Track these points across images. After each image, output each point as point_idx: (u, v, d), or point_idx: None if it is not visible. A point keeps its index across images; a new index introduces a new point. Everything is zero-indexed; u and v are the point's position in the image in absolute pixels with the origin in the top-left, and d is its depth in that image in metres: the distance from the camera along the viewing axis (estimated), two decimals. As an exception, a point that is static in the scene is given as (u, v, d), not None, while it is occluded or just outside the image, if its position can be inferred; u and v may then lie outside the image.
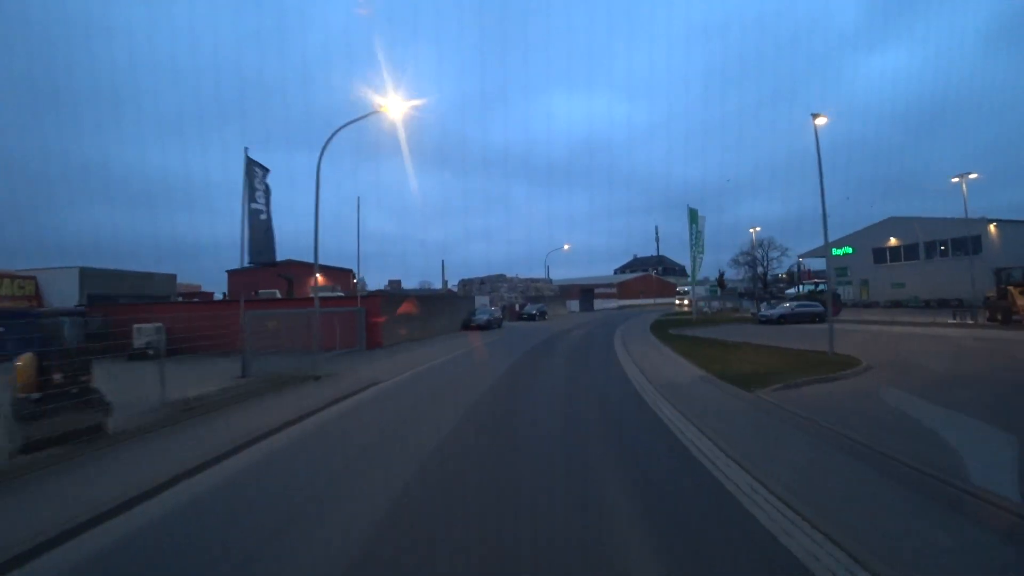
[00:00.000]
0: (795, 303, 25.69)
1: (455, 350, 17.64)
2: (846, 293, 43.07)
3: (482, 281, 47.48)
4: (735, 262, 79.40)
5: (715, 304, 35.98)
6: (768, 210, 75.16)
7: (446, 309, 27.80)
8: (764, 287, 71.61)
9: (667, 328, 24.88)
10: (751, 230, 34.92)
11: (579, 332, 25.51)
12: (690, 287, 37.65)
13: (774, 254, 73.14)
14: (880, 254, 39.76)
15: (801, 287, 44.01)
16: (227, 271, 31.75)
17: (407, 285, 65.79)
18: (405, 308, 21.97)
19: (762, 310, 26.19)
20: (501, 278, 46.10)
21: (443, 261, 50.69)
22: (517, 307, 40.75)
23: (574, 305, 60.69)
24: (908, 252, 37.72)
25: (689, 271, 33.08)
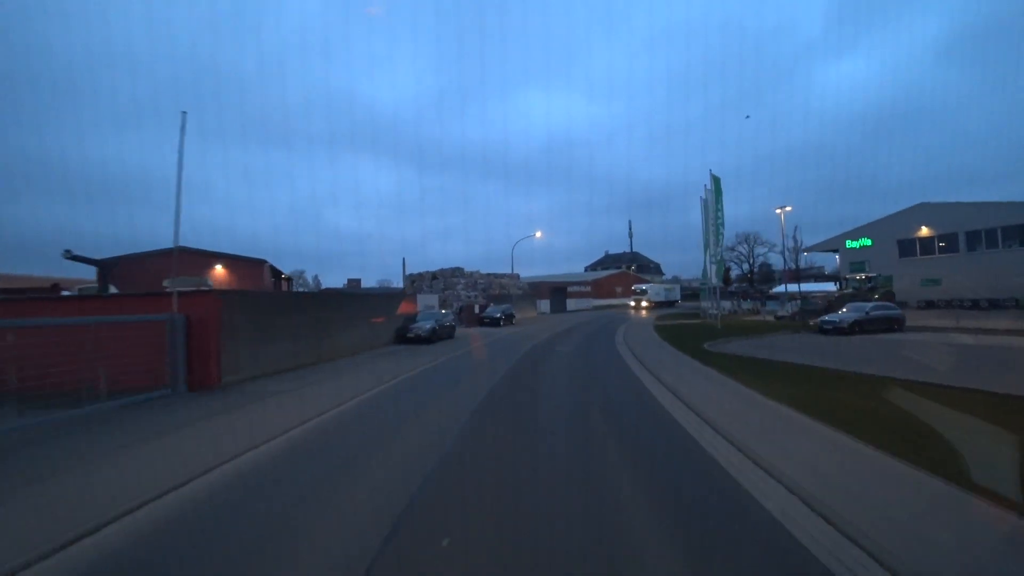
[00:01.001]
0: (871, 305, 18.34)
1: (342, 398, 8.77)
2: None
3: (434, 276, 38.38)
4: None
5: (726, 305, 28.75)
6: (736, 211, 70.47)
7: (366, 314, 18.72)
8: (751, 284, 66.31)
9: (694, 341, 16.94)
10: (778, 210, 27.87)
11: (566, 348, 17.15)
12: (703, 283, 30.23)
13: (760, 250, 68.19)
14: (907, 246, 33.76)
15: (789, 286, 37.69)
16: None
17: (367, 284, 55.80)
18: (271, 313, 12.82)
19: (825, 315, 18.68)
20: (458, 273, 37.16)
21: (404, 259, 41.29)
22: (477, 308, 31.99)
23: (545, 305, 52.52)
24: (944, 243, 31.80)
25: (709, 260, 25.42)
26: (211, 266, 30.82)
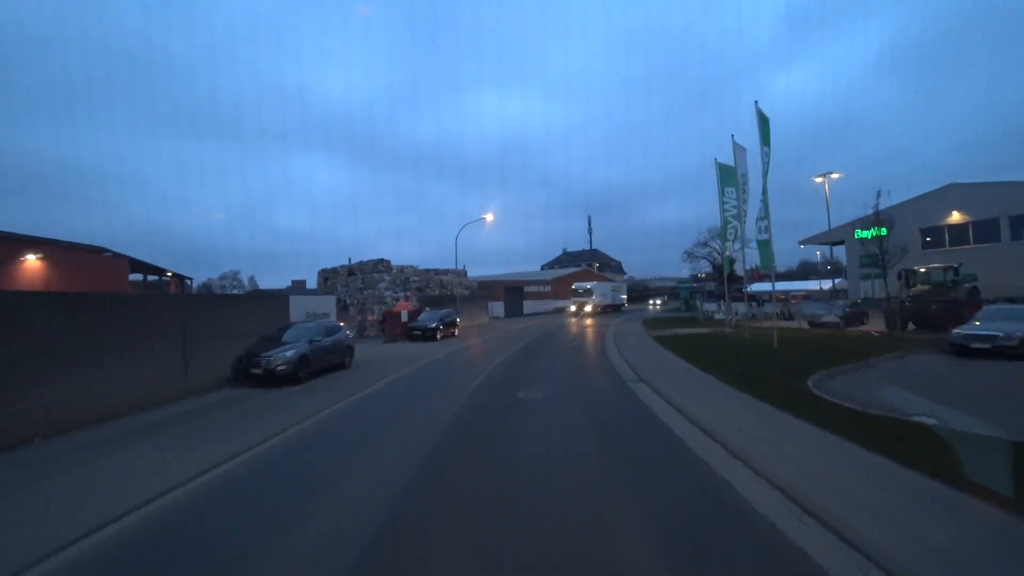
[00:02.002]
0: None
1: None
2: (877, 289, 31.38)
3: (351, 271, 28.67)
4: (690, 255, 68.61)
5: (739, 309, 21.50)
6: (685, 213, 66.70)
7: (200, 331, 9.32)
8: (720, 282, 61.19)
9: (773, 375, 8.82)
10: (819, 179, 20.93)
11: (537, 393, 8.38)
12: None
13: (736, 246, 63.30)
14: (934, 235, 28.20)
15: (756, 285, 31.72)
16: None
17: (312, 286, 44.74)
18: None
19: (964, 327, 11.26)
20: (382, 266, 27.64)
21: (349, 259, 31.07)
22: (404, 316, 22.81)
23: (499, 308, 43.93)
24: (982, 231, 26.39)
25: (733, 238, 17.84)
26: (18, 255, 20.60)
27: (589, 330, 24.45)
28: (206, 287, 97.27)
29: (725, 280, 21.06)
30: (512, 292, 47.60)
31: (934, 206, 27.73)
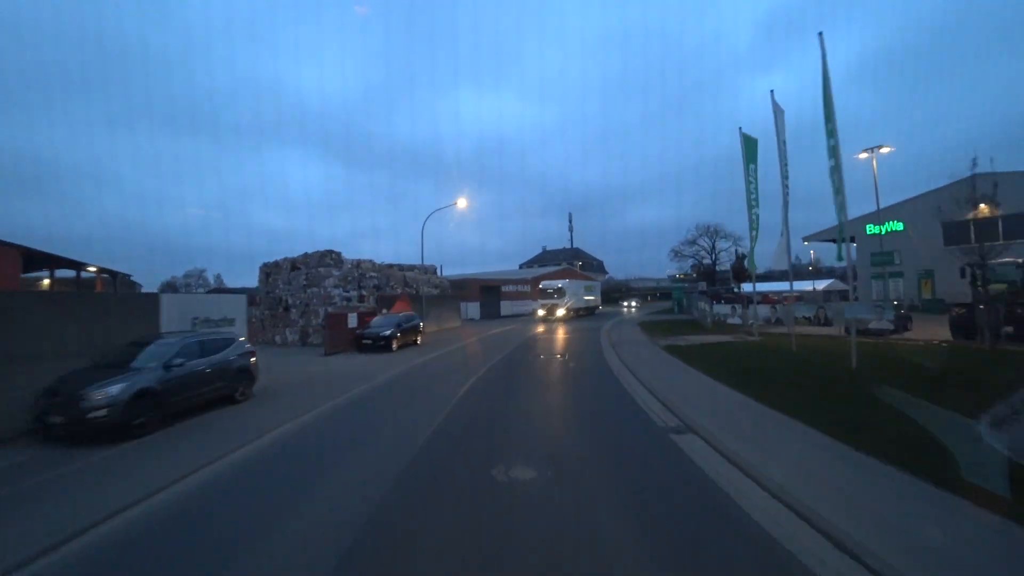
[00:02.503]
0: None
1: None
2: (894, 291, 28.56)
3: (294, 265, 23.88)
4: (677, 254, 65.66)
5: (763, 313, 17.81)
6: (663, 214, 64.63)
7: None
8: (712, 283, 58.30)
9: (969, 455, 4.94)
10: (864, 154, 17.60)
11: (525, 473, 4.17)
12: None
13: (724, 244, 60.58)
14: (959, 231, 25.40)
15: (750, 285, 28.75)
16: None
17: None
18: None
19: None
20: (330, 259, 22.92)
21: (306, 253, 26.19)
22: (353, 321, 18.30)
23: (473, 309, 39.65)
24: (1016, 226, 23.72)
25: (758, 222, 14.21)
26: None
27: (576, 337, 20.49)
28: (169, 286, 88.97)
29: (749, 277, 17.48)
30: (488, 292, 43.39)
31: (960, 198, 24.90)
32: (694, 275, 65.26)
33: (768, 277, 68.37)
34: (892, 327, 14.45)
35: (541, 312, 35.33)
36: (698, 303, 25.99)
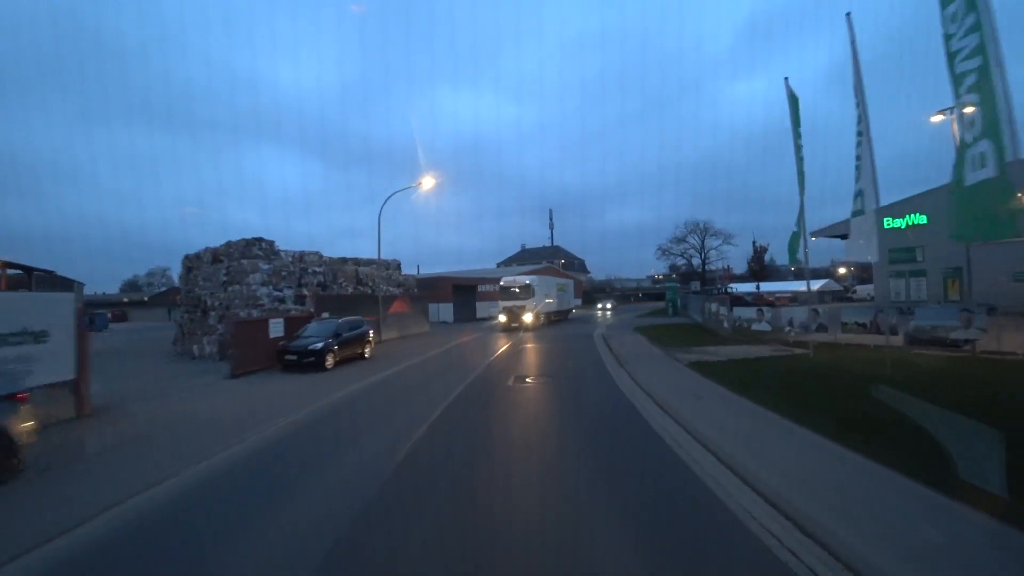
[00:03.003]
0: None
1: None
2: (914, 290, 25.71)
3: (216, 257, 19.16)
4: (665, 252, 62.58)
5: (799, 317, 14.20)
6: (644, 216, 62.58)
7: None
8: (702, 283, 55.47)
9: None
10: (939, 116, 14.19)
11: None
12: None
13: (714, 242, 57.78)
14: (993, 222, 22.52)
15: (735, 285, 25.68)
16: None
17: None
18: None
19: None
20: (259, 249, 18.27)
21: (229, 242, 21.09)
22: (278, 329, 13.88)
23: (446, 311, 35.40)
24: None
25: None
26: None
27: (564, 347, 16.54)
28: (130, 285, 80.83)
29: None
30: (462, 292, 39.15)
31: (994, 187, 22.05)
32: (673, 276, 62.42)
33: (767, 277, 66.29)
34: (981, 335, 11.10)
35: (503, 318, 26.58)
36: (706, 304, 22.42)
